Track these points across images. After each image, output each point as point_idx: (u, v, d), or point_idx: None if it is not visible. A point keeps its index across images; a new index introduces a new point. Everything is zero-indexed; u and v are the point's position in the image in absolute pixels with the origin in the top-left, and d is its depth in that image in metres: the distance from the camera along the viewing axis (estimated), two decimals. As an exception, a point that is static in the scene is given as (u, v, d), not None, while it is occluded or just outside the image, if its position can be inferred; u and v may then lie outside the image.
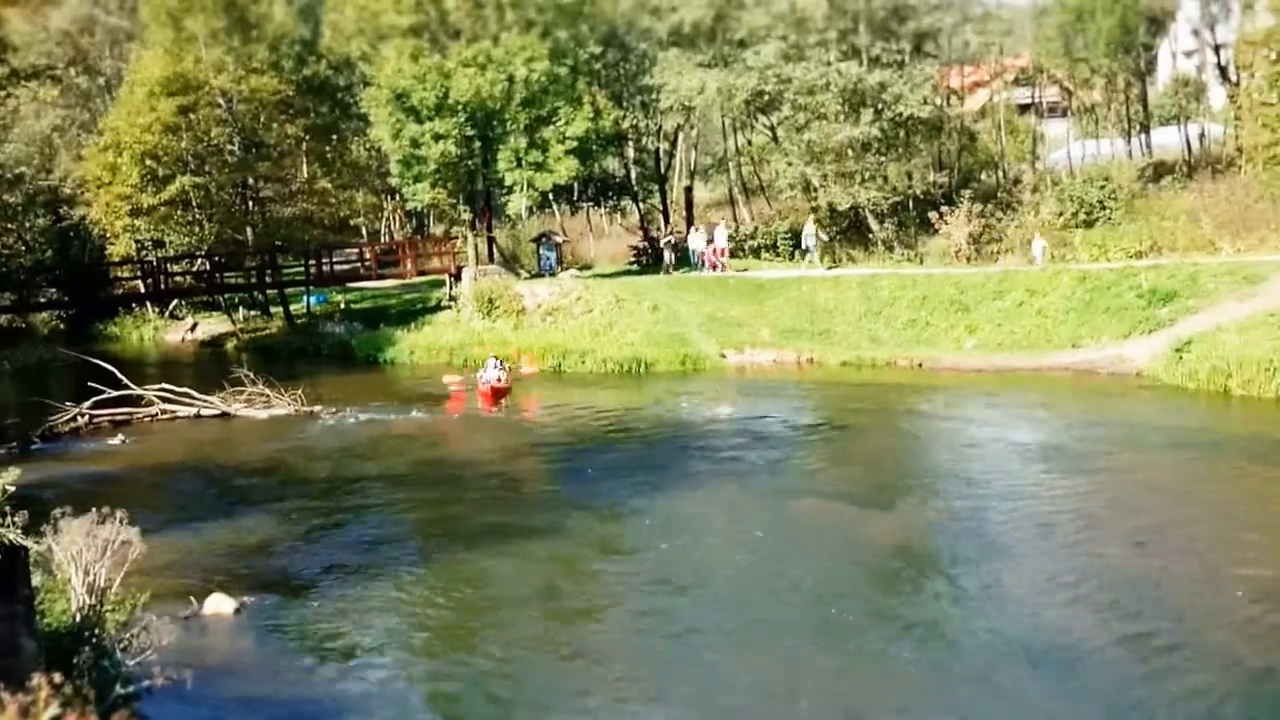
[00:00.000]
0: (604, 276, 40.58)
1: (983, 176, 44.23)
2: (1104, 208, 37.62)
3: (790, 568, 15.45)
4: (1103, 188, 38.28)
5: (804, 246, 39.33)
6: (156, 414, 26.85)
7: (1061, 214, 37.69)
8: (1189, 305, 29.10)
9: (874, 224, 40.29)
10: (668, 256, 40.92)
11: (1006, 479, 18.98)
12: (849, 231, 41.52)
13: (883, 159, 39.78)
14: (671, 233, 43.54)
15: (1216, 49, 42.91)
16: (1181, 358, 26.90)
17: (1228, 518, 16.63)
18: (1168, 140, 44.75)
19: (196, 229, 44.81)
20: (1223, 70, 42.78)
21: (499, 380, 27.90)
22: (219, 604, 13.38)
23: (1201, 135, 43.47)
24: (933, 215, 38.79)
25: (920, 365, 31.03)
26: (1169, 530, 15.83)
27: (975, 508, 17.20)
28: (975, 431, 23.31)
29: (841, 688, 11.19)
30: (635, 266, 43.40)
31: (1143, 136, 45.10)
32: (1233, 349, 25.97)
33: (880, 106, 38.73)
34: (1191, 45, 46.17)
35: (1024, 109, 49.23)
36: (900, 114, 38.93)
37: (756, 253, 42.86)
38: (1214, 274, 29.76)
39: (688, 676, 11.54)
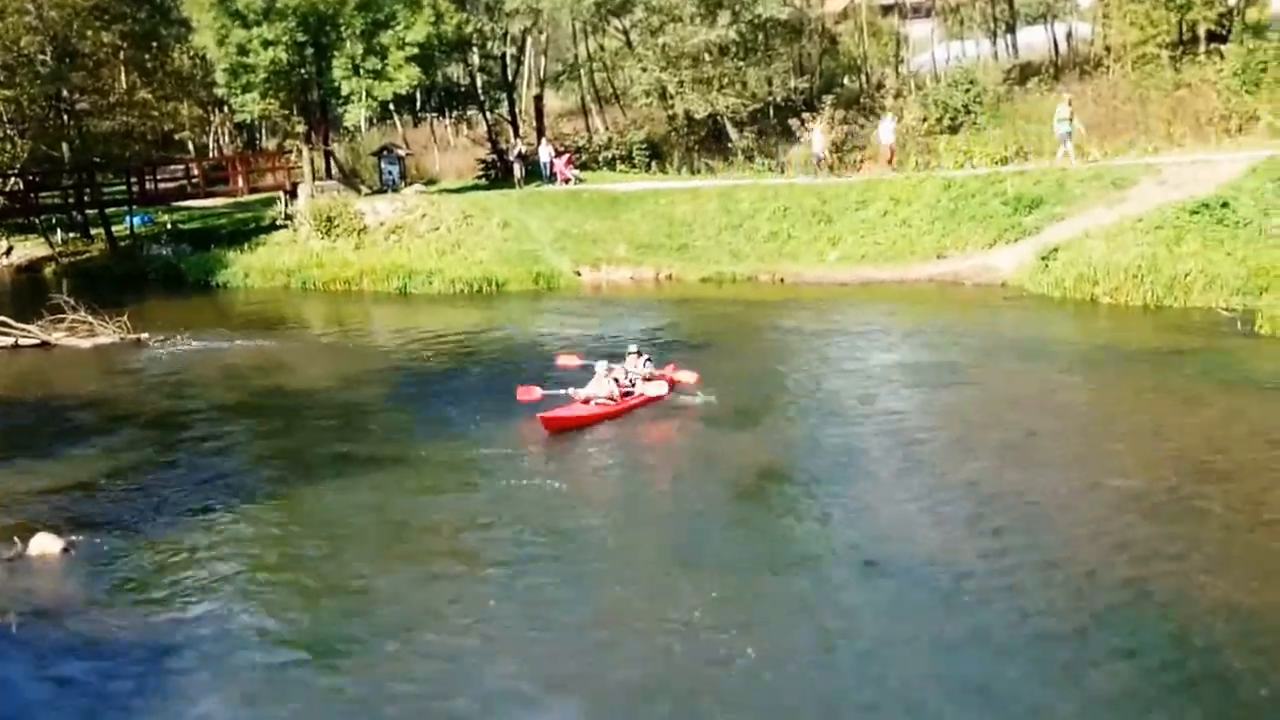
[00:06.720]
0: (451, 191, 38.90)
1: (845, 81, 42.86)
2: (969, 112, 36.51)
3: (648, 491, 14.99)
4: (968, 91, 37.04)
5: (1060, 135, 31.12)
6: (-31, 345, 25.22)
7: (925, 119, 36.55)
8: (1056, 212, 28.39)
9: (733, 132, 38.80)
10: (518, 170, 39.27)
11: (869, 395, 18.52)
12: (707, 141, 39.92)
13: (741, 64, 38.30)
14: (521, 143, 41.40)
15: (1085, -57, 41.94)
16: (1048, 266, 26.41)
17: (1093, 429, 16.37)
18: (1035, 40, 43.37)
19: (8, 145, 42.09)
20: (1090, -35, 41.90)
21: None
22: (45, 544, 12.84)
23: (1069, 34, 42.48)
24: (794, 123, 37.38)
25: (782, 280, 30.21)
26: (1033, 443, 15.57)
27: (838, 425, 16.79)
28: (838, 347, 22.72)
29: (700, 610, 10.76)
30: (484, 181, 41.33)
31: (1009, 37, 43.90)
32: (1100, 256, 25.46)
33: (738, 8, 37.22)
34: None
35: (887, 10, 47.02)
36: (759, 16, 37.66)
37: (611, 164, 41.10)
38: (1081, 179, 29.13)
39: (535, 607, 11.05)
